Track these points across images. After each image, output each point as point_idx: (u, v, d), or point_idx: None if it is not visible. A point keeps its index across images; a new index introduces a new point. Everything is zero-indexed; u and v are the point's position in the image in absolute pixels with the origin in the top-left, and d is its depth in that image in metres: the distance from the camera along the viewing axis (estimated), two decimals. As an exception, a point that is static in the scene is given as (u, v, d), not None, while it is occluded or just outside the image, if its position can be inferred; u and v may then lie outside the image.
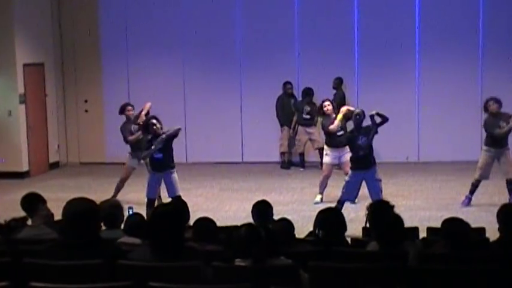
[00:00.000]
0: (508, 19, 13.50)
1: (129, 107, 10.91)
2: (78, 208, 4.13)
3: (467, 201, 10.15)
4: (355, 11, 13.98)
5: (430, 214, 9.27)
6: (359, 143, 8.94)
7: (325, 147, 10.72)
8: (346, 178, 9.16)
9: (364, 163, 8.94)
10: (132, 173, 11.00)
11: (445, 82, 13.70)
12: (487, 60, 13.66)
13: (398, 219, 5.18)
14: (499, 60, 13.53)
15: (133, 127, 10.76)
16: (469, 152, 13.29)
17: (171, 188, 9.02)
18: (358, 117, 9.07)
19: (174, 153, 9.27)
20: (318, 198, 10.59)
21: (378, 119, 9.11)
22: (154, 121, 9.08)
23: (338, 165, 10.75)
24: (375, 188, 8.88)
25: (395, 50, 13.85)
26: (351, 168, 9.12)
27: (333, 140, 10.40)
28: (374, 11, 13.85)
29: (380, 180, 8.95)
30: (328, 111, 10.45)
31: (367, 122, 9.20)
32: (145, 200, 9.14)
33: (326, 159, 10.60)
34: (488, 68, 13.63)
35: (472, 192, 10.16)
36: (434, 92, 13.77)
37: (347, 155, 9.77)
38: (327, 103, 10.58)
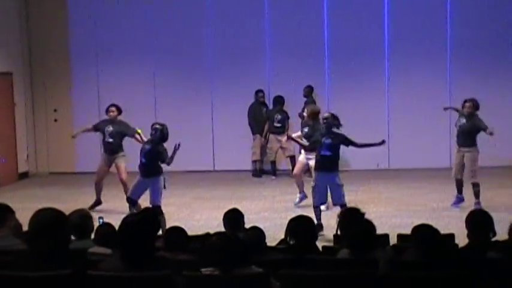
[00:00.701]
0: (475, 25, 13.67)
1: (112, 108, 10.85)
2: (45, 218, 4.08)
3: (457, 202, 10.35)
4: (325, 20, 14.07)
5: (401, 221, 9.33)
6: (322, 142, 9.01)
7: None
8: (312, 183, 9.21)
9: (326, 164, 8.98)
10: (104, 174, 10.99)
11: (415, 89, 13.84)
12: (456, 67, 13.84)
13: (370, 226, 5.21)
14: (468, 67, 13.71)
15: (108, 128, 10.79)
16: (439, 159, 13.46)
17: (151, 195, 8.93)
18: (324, 120, 9.18)
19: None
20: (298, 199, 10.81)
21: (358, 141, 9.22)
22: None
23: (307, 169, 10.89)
24: (336, 193, 8.93)
25: (365, 58, 13.96)
26: (315, 169, 9.23)
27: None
28: (344, 20, 13.95)
29: (342, 186, 8.98)
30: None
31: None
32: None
33: (300, 157, 10.89)
34: (456, 75, 13.81)
35: (458, 191, 10.37)
36: (404, 99, 13.90)
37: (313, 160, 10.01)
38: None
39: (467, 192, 10.37)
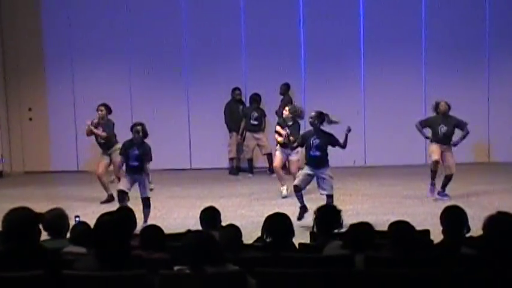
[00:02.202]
0: (450, 26, 13.78)
1: (101, 107, 11.18)
2: (17, 218, 4.05)
3: (433, 190, 10.76)
4: (301, 17, 14.10)
5: (377, 218, 9.34)
6: (311, 142, 9.15)
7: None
8: (303, 170, 9.32)
9: (315, 163, 9.14)
10: (105, 169, 11.21)
11: (390, 88, 13.91)
12: (431, 65, 13.94)
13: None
14: (443, 65, 13.81)
15: (98, 129, 11.14)
16: (415, 156, 13.56)
17: (141, 189, 9.40)
18: (310, 119, 9.28)
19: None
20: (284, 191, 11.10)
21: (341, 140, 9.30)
22: (138, 127, 9.41)
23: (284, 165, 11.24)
24: (325, 183, 9.09)
25: (341, 57, 14.02)
26: (306, 163, 9.35)
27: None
28: (319, 17, 13.98)
29: (332, 178, 9.16)
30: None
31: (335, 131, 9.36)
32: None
33: (277, 152, 11.17)
34: (431, 73, 13.90)
35: (433, 178, 10.76)
36: (379, 97, 13.97)
37: (295, 154, 10.56)
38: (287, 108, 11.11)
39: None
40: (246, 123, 13.51)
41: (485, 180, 12.17)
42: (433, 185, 10.84)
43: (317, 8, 14.01)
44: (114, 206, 9.19)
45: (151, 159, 9.42)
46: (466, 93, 13.60)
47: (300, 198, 9.25)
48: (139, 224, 9.14)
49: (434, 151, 10.78)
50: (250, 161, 13.73)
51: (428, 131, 10.91)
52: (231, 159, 13.94)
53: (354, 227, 5.41)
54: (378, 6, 13.90)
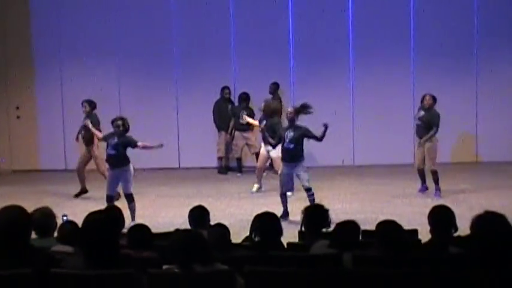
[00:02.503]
0: (439, 23, 13.81)
1: (84, 104, 11.47)
2: (7, 216, 4.03)
3: (423, 189, 11.15)
4: (290, 17, 14.11)
5: (365, 217, 9.37)
6: (286, 135, 9.61)
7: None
8: (279, 172, 9.88)
9: (289, 156, 9.59)
10: (86, 163, 11.64)
11: (379, 87, 13.94)
12: (420, 64, 13.97)
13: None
14: (431, 65, 13.85)
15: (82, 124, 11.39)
16: (403, 156, 13.59)
17: (123, 185, 9.64)
18: (288, 114, 9.71)
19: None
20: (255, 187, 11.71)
21: (318, 133, 9.55)
22: (119, 122, 9.62)
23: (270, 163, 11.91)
24: (301, 178, 9.58)
25: (330, 56, 14.03)
26: (281, 159, 9.83)
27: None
28: (308, 17, 14.00)
29: (306, 172, 9.60)
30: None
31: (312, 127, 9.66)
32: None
33: (262, 149, 11.75)
34: (420, 72, 13.94)
35: (422, 180, 11.14)
36: (368, 96, 14.00)
37: (274, 152, 10.95)
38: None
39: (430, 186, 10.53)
40: (235, 122, 13.50)
41: (472, 179, 12.22)
42: (422, 184, 11.11)
43: (306, 7, 14.02)
44: (99, 205, 9.17)
45: (136, 145, 9.59)
46: (454, 92, 13.65)
47: (284, 202, 9.69)
48: (128, 222, 9.28)
49: (416, 156, 11.16)
50: (239, 160, 13.73)
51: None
52: (219, 158, 13.93)
53: (339, 225, 5.42)
54: (366, 5, 13.92)
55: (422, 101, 11.04)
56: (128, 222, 9.26)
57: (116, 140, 9.61)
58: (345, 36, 14.05)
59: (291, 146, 9.55)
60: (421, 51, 13.93)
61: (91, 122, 11.05)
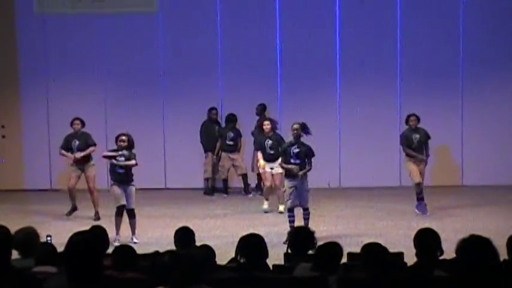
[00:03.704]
0: (425, 49, 13.92)
1: (77, 121, 11.47)
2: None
3: (422, 207, 11.23)
4: (277, 38, 14.17)
5: (351, 240, 9.38)
6: (291, 151, 9.73)
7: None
8: (284, 188, 9.97)
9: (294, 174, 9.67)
10: (77, 180, 11.45)
11: (365, 109, 14.00)
12: (406, 89, 14.06)
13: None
14: (417, 89, 13.93)
15: (74, 143, 11.39)
16: (389, 178, 13.63)
17: (128, 200, 9.79)
18: (295, 131, 9.82)
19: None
20: (266, 205, 11.75)
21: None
22: (123, 137, 10.02)
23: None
24: (303, 197, 9.64)
25: (317, 77, 14.09)
26: (285, 175, 9.97)
27: (264, 155, 11.63)
28: (296, 38, 14.07)
29: (308, 191, 9.71)
30: (267, 130, 11.70)
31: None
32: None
33: (266, 167, 11.71)
34: (406, 96, 14.01)
35: (421, 199, 11.25)
36: (354, 119, 14.05)
37: (277, 168, 11.16)
38: (266, 122, 11.82)
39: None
40: (222, 143, 13.49)
41: (458, 203, 12.25)
42: (420, 200, 11.27)
43: (293, 29, 14.10)
44: (84, 225, 9.11)
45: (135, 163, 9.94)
46: (440, 116, 13.72)
47: (292, 221, 9.67)
48: (129, 236, 9.38)
49: (414, 171, 11.24)
50: (225, 181, 13.70)
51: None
52: (206, 179, 13.90)
53: (321, 248, 5.41)
54: (353, 28, 14.02)
55: (407, 122, 11.47)
56: (129, 236, 9.48)
57: (122, 158, 9.87)
58: (332, 59, 14.13)
59: (298, 161, 9.66)
60: (408, 75, 14.02)
61: (89, 140, 11.37)
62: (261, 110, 13.64)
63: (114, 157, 9.88)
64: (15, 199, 13.43)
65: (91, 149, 11.36)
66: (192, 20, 14.17)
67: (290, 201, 9.68)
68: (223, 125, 13.72)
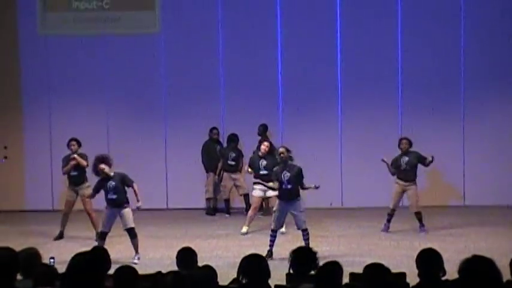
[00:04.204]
0: (426, 66, 13.95)
1: (73, 142, 11.47)
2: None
3: (386, 228, 11.55)
4: (279, 58, 14.23)
5: (353, 260, 9.35)
6: (282, 177, 9.83)
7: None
8: (274, 208, 10.02)
9: (287, 195, 9.81)
10: (72, 206, 11.42)
11: (367, 129, 14.00)
12: (407, 107, 14.07)
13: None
14: (419, 107, 13.95)
15: (71, 163, 11.40)
16: (391, 198, 13.58)
17: (123, 221, 9.73)
18: (281, 155, 9.90)
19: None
20: (245, 229, 11.66)
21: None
22: (102, 166, 9.72)
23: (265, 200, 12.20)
24: (299, 218, 9.75)
25: (318, 97, 14.13)
26: (277, 197, 10.05)
27: (257, 175, 11.67)
28: (297, 58, 14.12)
29: (303, 212, 9.80)
30: (264, 151, 11.85)
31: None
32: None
33: (254, 192, 11.75)
34: (408, 115, 14.04)
35: (388, 220, 11.58)
36: (356, 138, 14.05)
37: (271, 192, 11.07)
38: (266, 143, 12.01)
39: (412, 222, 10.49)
40: (223, 163, 13.50)
41: (460, 223, 12.23)
42: (386, 225, 11.61)
43: (295, 49, 14.15)
44: (85, 246, 9.10)
45: (133, 181, 9.83)
46: (441, 134, 13.74)
47: (272, 241, 9.86)
48: (132, 255, 9.36)
49: (393, 195, 11.57)
50: (227, 201, 13.69)
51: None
52: (207, 199, 13.89)
53: (321, 268, 5.36)
54: (355, 47, 14.06)
55: (399, 145, 11.56)
56: (133, 255, 9.44)
57: (113, 182, 9.72)
58: (334, 79, 14.17)
59: (289, 186, 9.78)
60: (409, 94, 14.05)
61: (84, 159, 11.26)
62: (263, 130, 13.66)
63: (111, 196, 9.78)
64: (16, 220, 13.42)
65: (84, 163, 11.26)
66: (194, 41, 14.24)
67: (273, 222, 9.89)
68: (224, 145, 13.74)
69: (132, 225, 9.76)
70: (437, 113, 13.93)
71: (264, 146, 11.88)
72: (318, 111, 14.11)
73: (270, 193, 11.33)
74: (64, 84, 14.30)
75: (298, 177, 9.80)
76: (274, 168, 10.22)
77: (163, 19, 14.24)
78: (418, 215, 11.41)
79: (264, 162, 11.73)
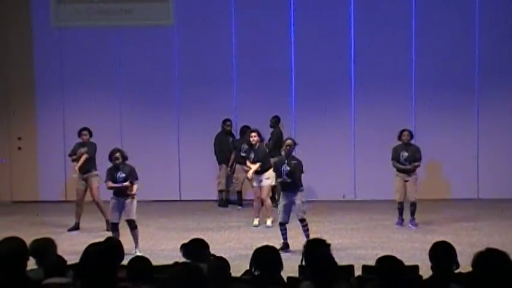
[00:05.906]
0: (440, 62, 13.89)
1: (85, 132, 11.55)
2: (5, 248, 4.01)
3: (400, 222, 11.48)
4: (292, 50, 14.19)
5: (366, 252, 9.35)
6: (281, 169, 9.80)
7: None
8: (280, 201, 9.99)
9: (288, 187, 9.79)
10: (83, 194, 11.50)
11: (380, 122, 13.95)
12: (421, 101, 14.01)
13: (329, 258, 5.21)
14: (432, 102, 13.88)
15: (80, 151, 11.46)
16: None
17: (126, 211, 9.70)
18: (288, 147, 9.89)
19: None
20: (256, 221, 11.64)
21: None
22: (117, 154, 9.79)
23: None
24: (298, 207, 9.69)
25: (331, 90, 14.09)
26: (281, 189, 10.02)
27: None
28: (310, 50, 14.08)
29: (303, 203, 9.75)
30: (254, 142, 11.70)
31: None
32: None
33: (253, 184, 11.85)
34: (421, 109, 13.97)
35: (400, 214, 11.49)
36: (369, 131, 14.01)
37: (265, 180, 11.40)
38: (253, 134, 11.73)
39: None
40: (236, 155, 13.49)
41: (474, 216, 12.18)
42: (400, 218, 11.51)
43: (308, 41, 14.11)
44: (98, 236, 9.13)
45: (137, 178, 9.78)
46: (455, 129, 13.68)
47: (284, 234, 9.79)
48: (131, 248, 9.36)
49: (397, 189, 11.53)
50: (240, 193, 13.70)
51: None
52: (220, 191, 13.90)
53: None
54: (368, 41, 14.00)
55: (400, 137, 11.49)
56: (132, 247, 9.41)
57: (123, 174, 9.75)
58: (347, 71, 14.12)
59: (289, 180, 9.74)
60: (422, 88, 13.98)
61: (89, 147, 11.35)
62: (275, 122, 13.64)
63: (119, 184, 9.74)
64: (30, 210, 13.49)
65: (84, 157, 11.34)
66: (207, 33, 14.23)
67: (279, 216, 9.84)
68: (237, 137, 13.73)
69: (133, 217, 9.70)
70: (451, 107, 13.85)
71: (253, 137, 11.75)
72: (331, 104, 14.08)
73: (265, 182, 11.45)
74: (77, 76, 14.34)
75: (296, 172, 9.73)
76: (273, 159, 10.36)
77: (177, 11, 14.24)
78: (412, 207, 11.37)
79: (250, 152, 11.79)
